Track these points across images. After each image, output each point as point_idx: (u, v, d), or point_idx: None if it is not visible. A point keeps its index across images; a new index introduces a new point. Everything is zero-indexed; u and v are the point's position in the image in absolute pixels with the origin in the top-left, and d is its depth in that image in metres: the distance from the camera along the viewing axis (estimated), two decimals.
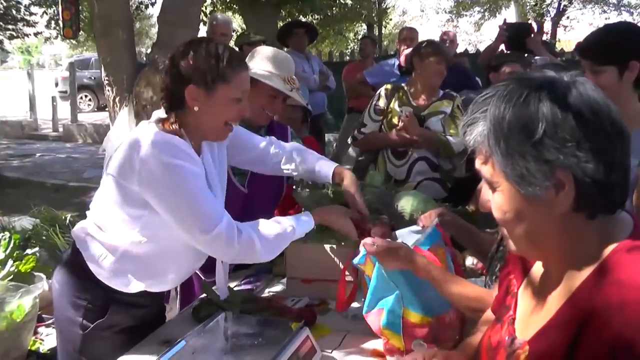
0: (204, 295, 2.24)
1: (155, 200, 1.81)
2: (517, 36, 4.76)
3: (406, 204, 2.72)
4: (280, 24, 10.32)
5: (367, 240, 1.73)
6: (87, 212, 2.03)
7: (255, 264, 2.65)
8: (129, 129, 4.86)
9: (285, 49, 6.68)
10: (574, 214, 1.00)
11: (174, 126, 1.86)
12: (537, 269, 1.18)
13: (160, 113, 1.94)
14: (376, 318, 1.80)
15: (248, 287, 2.42)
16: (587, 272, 1.01)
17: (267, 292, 2.40)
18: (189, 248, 1.93)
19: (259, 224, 1.93)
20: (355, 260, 1.79)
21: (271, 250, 1.94)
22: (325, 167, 2.31)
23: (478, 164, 1.07)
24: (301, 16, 10.72)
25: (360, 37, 21.58)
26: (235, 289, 2.33)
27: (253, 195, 2.63)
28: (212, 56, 1.83)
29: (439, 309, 1.74)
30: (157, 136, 1.80)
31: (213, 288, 2.18)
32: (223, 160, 2.15)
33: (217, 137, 1.99)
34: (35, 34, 12.05)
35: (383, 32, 22.55)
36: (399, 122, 3.56)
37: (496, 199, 1.06)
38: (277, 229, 1.93)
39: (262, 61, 2.55)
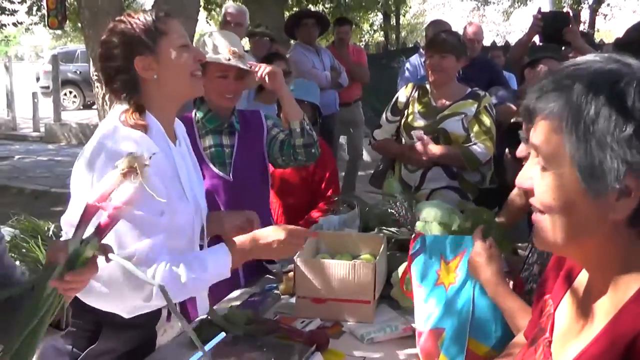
0: (204, 315, 2.25)
1: None
2: (553, 27, 4.74)
3: (429, 214, 2.72)
4: (287, 14, 10.38)
5: (478, 247, 1.82)
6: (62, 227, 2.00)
7: (262, 281, 2.70)
8: None
9: (293, 42, 6.73)
10: (626, 226, 1.00)
11: (133, 117, 1.91)
12: (577, 287, 1.18)
13: (121, 107, 2.00)
14: (431, 338, 1.80)
15: (253, 306, 2.43)
16: (634, 289, 1.00)
17: (273, 313, 2.40)
18: None
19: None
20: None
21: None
22: None
23: (539, 137, 1.04)
24: (310, 5, 10.74)
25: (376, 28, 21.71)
26: (239, 308, 2.34)
27: (239, 182, 2.78)
28: (139, 21, 1.95)
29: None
30: (107, 139, 1.87)
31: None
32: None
33: (193, 91, 2.09)
34: (15, 24, 12.15)
35: (401, 21, 22.56)
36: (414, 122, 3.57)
37: (547, 180, 1.04)
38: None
39: (200, 48, 2.69)
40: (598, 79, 0.98)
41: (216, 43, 2.71)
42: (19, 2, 11.64)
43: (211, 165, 2.74)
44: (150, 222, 1.85)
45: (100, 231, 1.31)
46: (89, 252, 1.30)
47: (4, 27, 11.86)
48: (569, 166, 1.00)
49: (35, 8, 11.75)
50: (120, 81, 1.97)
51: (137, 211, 1.73)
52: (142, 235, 1.83)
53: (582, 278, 1.17)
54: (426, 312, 1.91)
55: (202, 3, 7.59)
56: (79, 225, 1.32)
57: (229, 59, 2.66)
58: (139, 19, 1.96)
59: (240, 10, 5.37)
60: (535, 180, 1.06)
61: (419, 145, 3.48)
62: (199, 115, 2.79)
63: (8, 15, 11.22)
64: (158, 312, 2.12)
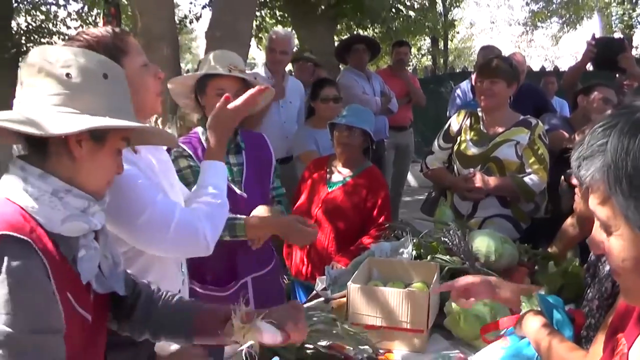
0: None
1: None
2: (606, 53, 4.70)
3: (481, 244, 2.72)
4: (337, 39, 10.43)
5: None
6: None
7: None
8: None
9: (342, 67, 6.75)
10: None
11: None
12: None
13: None
14: None
15: None
16: None
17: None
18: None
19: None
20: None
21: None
22: None
23: (593, 203, 1.06)
24: (359, 30, 10.77)
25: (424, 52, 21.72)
26: None
27: (251, 198, 2.81)
28: (98, 42, 1.90)
29: None
30: None
31: None
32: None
33: (153, 109, 2.08)
34: None
35: (449, 46, 22.53)
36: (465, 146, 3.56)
37: (613, 244, 1.04)
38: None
39: (201, 66, 2.80)
40: (629, 132, 0.98)
41: (215, 61, 2.75)
42: (74, 28, 12.00)
43: (229, 182, 2.71)
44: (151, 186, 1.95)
45: None
46: None
47: None
48: (626, 225, 1.00)
49: None
50: None
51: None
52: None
53: None
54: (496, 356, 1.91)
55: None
56: None
57: (230, 71, 2.69)
58: (97, 36, 1.92)
59: (286, 35, 5.35)
60: (605, 244, 1.07)
61: (473, 179, 3.46)
62: (205, 135, 2.81)
63: (64, 39, 11.56)
64: None
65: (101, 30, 1.96)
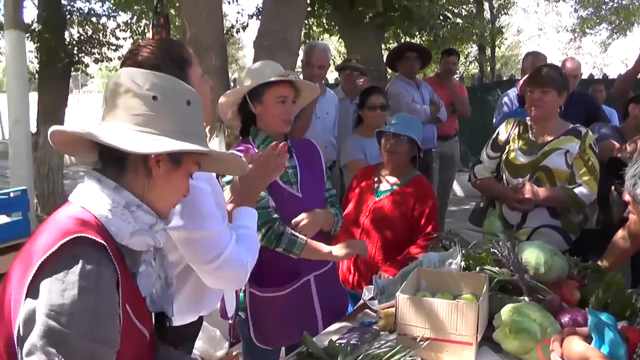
0: (302, 347, 2.28)
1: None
2: None
3: (530, 256, 2.68)
4: (384, 47, 10.41)
5: None
6: None
7: (361, 316, 2.74)
8: None
9: (389, 76, 6.73)
10: None
11: None
12: None
13: None
14: None
15: (351, 341, 2.45)
16: None
17: (372, 350, 2.40)
18: None
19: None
20: None
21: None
22: None
23: None
24: (407, 38, 10.73)
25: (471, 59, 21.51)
26: (337, 342, 2.36)
27: (307, 198, 2.87)
28: (166, 51, 2.00)
29: None
30: None
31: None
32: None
33: (207, 119, 2.11)
34: (120, 58, 12.77)
35: (496, 53, 22.27)
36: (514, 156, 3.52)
37: None
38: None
39: (248, 78, 2.81)
40: None
41: (262, 70, 2.81)
42: (123, 39, 12.23)
43: (281, 183, 2.80)
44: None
45: None
46: None
47: (111, 61, 12.44)
48: None
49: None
50: None
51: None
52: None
53: None
54: None
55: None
56: None
57: (289, 74, 2.75)
58: (165, 46, 2.02)
59: (324, 49, 5.33)
60: None
61: (523, 190, 3.43)
62: (258, 141, 2.85)
63: (114, 50, 11.79)
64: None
65: (167, 40, 2.04)
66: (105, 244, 1.41)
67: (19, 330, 1.34)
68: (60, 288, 1.32)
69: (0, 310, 1.41)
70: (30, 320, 1.32)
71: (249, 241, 2.15)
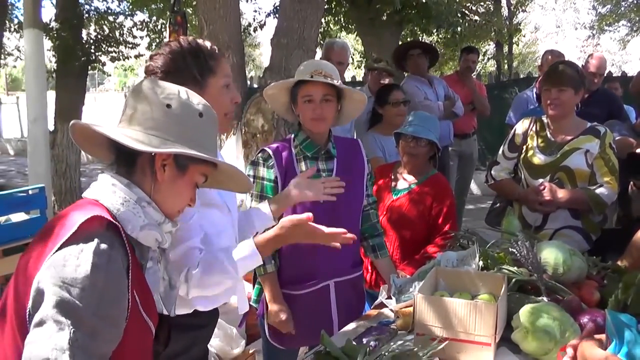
0: (319, 347, 2.28)
1: None
2: None
3: (549, 256, 2.67)
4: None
5: None
6: None
7: (378, 315, 2.73)
8: (237, 159, 5.07)
9: (405, 74, 6.71)
10: None
11: None
12: None
13: None
14: None
15: (370, 341, 2.44)
16: None
17: (390, 349, 2.40)
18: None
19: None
20: None
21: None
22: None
23: None
24: (425, 35, 10.70)
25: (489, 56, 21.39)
26: (355, 342, 2.36)
27: (339, 203, 2.75)
28: (193, 53, 2.05)
29: None
30: None
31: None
32: None
33: (221, 130, 2.14)
34: (137, 56, 12.84)
35: (513, 50, 22.13)
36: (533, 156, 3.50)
37: None
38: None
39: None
40: None
41: (302, 67, 2.85)
42: (140, 37, 12.30)
43: None
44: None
45: None
46: None
47: (128, 59, 12.54)
48: None
49: (154, 44, 12.36)
50: None
51: None
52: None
53: None
54: None
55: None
56: None
57: (311, 77, 2.75)
58: (194, 46, 2.07)
59: (343, 47, 5.37)
60: None
61: (545, 192, 3.40)
62: (297, 140, 2.89)
63: (130, 48, 11.86)
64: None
65: (196, 46, 2.08)
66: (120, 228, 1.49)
67: (31, 305, 1.38)
68: (75, 263, 1.37)
69: (17, 293, 1.46)
70: (41, 293, 1.36)
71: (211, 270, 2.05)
